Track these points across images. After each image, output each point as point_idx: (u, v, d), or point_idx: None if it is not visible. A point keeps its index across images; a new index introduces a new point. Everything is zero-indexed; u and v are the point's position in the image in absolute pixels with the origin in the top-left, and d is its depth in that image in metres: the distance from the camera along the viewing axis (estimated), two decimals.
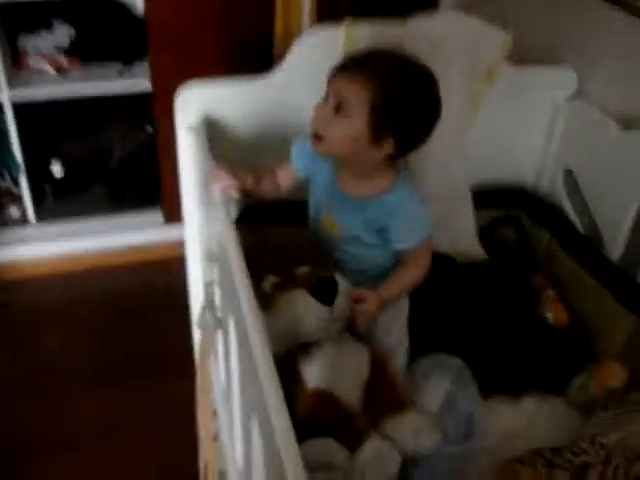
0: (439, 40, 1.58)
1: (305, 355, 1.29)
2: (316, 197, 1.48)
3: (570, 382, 1.59)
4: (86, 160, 2.62)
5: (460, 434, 1.42)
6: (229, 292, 1.15)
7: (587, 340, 1.70)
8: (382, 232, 1.39)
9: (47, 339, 2.32)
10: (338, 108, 1.28)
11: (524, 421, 1.54)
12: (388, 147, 1.31)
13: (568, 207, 1.83)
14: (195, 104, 1.56)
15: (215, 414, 1.57)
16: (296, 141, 1.48)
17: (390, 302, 1.40)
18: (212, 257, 1.36)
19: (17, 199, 2.55)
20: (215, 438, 1.54)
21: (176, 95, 1.55)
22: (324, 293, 1.27)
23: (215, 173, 1.37)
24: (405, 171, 1.43)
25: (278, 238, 1.59)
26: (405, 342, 1.55)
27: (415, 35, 1.56)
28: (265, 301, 1.30)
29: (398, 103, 1.28)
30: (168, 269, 2.49)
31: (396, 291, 1.42)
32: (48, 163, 2.53)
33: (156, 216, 2.63)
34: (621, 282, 1.65)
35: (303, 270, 1.35)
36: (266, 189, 1.51)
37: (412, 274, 1.42)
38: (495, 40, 1.65)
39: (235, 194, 1.35)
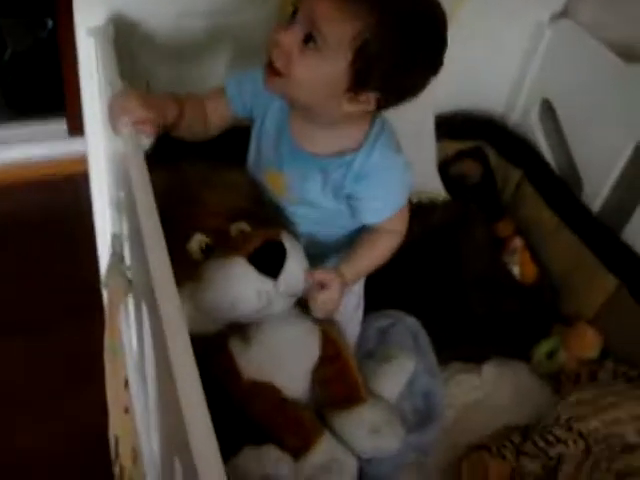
0: None
1: (239, 337, 1.04)
2: (259, 144, 1.15)
3: (536, 347, 1.47)
4: None
5: (418, 416, 1.26)
6: (139, 252, 0.87)
7: (557, 299, 1.54)
8: (347, 199, 1.10)
9: None
10: (309, 38, 0.93)
11: (485, 392, 1.41)
12: (367, 102, 0.99)
13: (542, 143, 1.62)
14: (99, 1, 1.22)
15: (127, 384, 1.33)
16: (234, 74, 1.15)
17: (352, 284, 1.14)
18: (119, 206, 1.07)
19: None
20: (127, 410, 1.31)
21: None
22: (268, 262, 0.97)
23: (124, 102, 1.00)
24: (381, 119, 1.09)
25: (206, 180, 1.28)
26: (361, 306, 1.33)
27: None
28: (191, 267, 1.01)
29: (394, 47, 0.93)
30: (73, 186, 2.21)
31: (363, 270, 1.15)
32: None
33: (59, 126, 2.28)
34: (602, 237, 1.47)
35: (240, 228, 1.05)
36: (191, 127, 1.15)
37: (383, 248, 1.15)
38: None
39: (149, 132, 1.00)
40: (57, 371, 1.81)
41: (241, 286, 0.97)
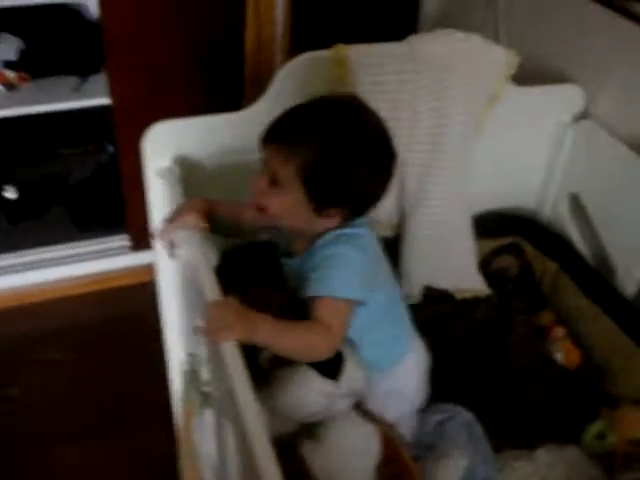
0: (441, 61, 1.44)
1: (310, 440, 1.14)
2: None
3: (586, 430, 1.49)
4: (42, 183, 2.42)
5: None
6: (218, 369, 1.00)
7: (602, 383, 1.58)
8: None
9: (7, 385, 2.10)
10: (272, 181, 1.12)
11: (540, 477, 1.44)
12: (336, 215, 1.14)
13: (574, 235, 1.71)
14: (165, 145, 1.41)
15: None
16: None
17: (260, 341, 1.04)
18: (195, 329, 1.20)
19: None
20: None
21: (144, 137, 1.41)
22: (329, 366, 1.10)
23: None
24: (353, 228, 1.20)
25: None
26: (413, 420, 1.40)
27: (415, 56, 1.43)
28: (261, 376, 1.14)
29: (332, 170, 1.10)
30: (136, 296, 2.36)
31: (278, 340, 1.05)
32: (1, 188, 2.32)
33: (122, 242, 2.44)
34: (638, 320, 1.53)
35: None
36: (226, 224, 1.32)
37: (308, 336, 1.09)
38: (499, 60, 1.51)
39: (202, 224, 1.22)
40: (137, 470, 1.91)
41: (306, 389, 1.11)
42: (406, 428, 1.36)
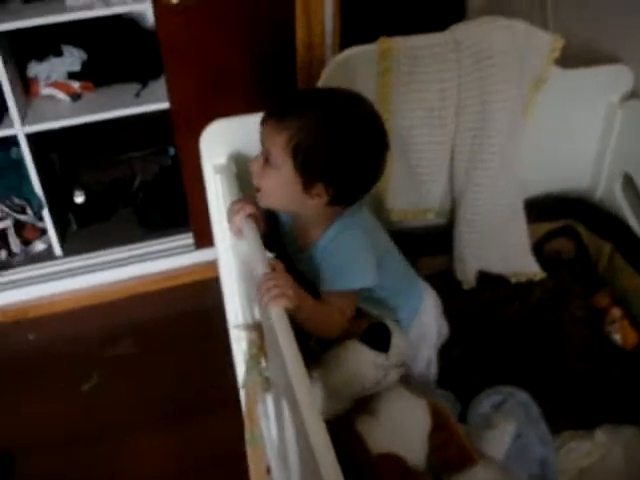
0: (485, 48, 1.46)
1: (364, 416, 1.19)
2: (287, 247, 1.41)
3: None
4: (108, 187, 2.53)
5: None
6: (276, 354, 1.05)
7: None
8: None
9: (84, 380, 2.22)
10: (267, 159, 1.20)
11: (598, 456, 1.45)
12: (322, 194, 1.20)
13: (629, 215, 1.70)
14: (221, 143, 1.47)
15: (269, 471, 1.48)
16: None
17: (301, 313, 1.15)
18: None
19: (41, 233, 2.46)
20: None
21: (201, 134, 1.46)
22: (377, 339, 1.17)
23: (235, 204, 1.29)
24: (351, 209, 1.28)
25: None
26: (433, 365, 1.50)
27: (459, 44, 1.46)
28: (313, 359, 1.20)
29: (319, 144, 1.17)
30: (202, 292, 2.44)
31: (307, 312, 1.16)
32: (70, 193, 2.44)
33: (187, 240, 2.53)
34: None
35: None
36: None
37: (328, 314, 1.23)
38: (544, 44, 1.52)
39: (259, 219, 1.28)
40: (203, 462, 1.98)
41: (361, 363, 1.17)
42: (435, 367, 1.48)
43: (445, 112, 1.50)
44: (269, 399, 1.35)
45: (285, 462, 1.26)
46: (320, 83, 1.46)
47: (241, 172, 1.44)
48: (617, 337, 1.63)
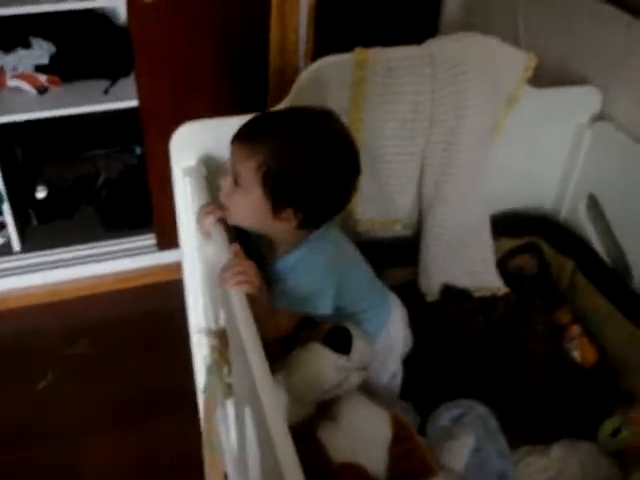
0: (461, 63, 1.47)
1: (325, 422, 1.18)
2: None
3: (601, 426, 1.52)
4: (72, 183, 2.49)
5: None
6: (240, 359, 1.05)
7: (617, 380, 1.61)
8: None
9: (39, 377, 2.17)
10: (236, 180, 1.20)
11: (555, 471, 1.47)
12: (291, 218, 1.21)
13: (592, 235, 1.73)
14: (192, 145, 1.45)
15: (226, 477, 1.46)
16: None
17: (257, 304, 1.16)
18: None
19: (0, 227, 2.41)
20: None
21: (172, 136, 1.44)
22: (339, 342, 1.17)
23: (206, 207, 1.29)
24: (316, 233, 1.27)
25: None
26: (399, 376, 1.50)
27: (434, 59, 1.46)
28: (274, 362, 1.20)
29: (289, 170, 1.17)
30: (163, 294, 2.42)
31: (260, 304, 1.17)
32: (32, 188, 2.39)
33: (149, 241, 2.50)
34: None
35: (307, 331, 1.24)
36: None
37: (266, 316, 1.20)
38: (518, 62, 1.54)
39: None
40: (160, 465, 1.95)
41: (322, 364, 1.16)
42: (399, 378, 1.49)
43: (417, 125, 1.50)
44: (229, 405, 1.35)
45: (244, 468, 1.25)
46: (295, 89, 1.46)
47: (210, 175, 1.43)
48: (576, 354, 1.65)
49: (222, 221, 1.27)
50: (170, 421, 2.03)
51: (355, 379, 1.18)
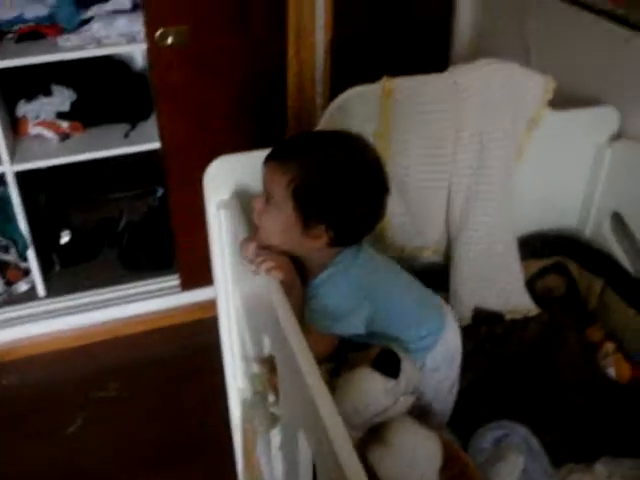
0: (484, 89, 1.50)
1: (375, 445, 1.18)
2: None
3: None
4: (94, 226, 2.52)
5: None
6: (294, 386, 1.05)
7: None
8: None
9: (68, 422, 2.18)
10: (268, 199, 1.23)
11: None
12: (322, 235, 1.22)
13: (618, 252, 1.74)
14: (225, 179, 1.47)
15: None
16: None
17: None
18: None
19: (24, 273, 2.43)
20: None
21: (206, 171, 1.45)
22: (388, 366, 1.17)
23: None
24: (350, 250, 1.28)
25: None
26: (455, 387, 1.47)
27: (459, 85, 1.49)
28: None
29: (321, 187, 1.20)
30: (188, 334, 2.44)
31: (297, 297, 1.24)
32: (56, 233, 2.42)
33: (173, 282, 2.52)
34: None
35: (355, 355, 1.26)
36: None
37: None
38: (537, 85, 1.57)
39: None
40: None
41: (371, 388, 1.15)
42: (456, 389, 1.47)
43: (443, 151, 1.53)
44: (274, 436, 1.35)
45: None
46: (323, 120, 1.48)
47: (244, 209, 1.45)
48: (611, 371, 1.65)
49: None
50: (201, 462, 2.04)
51: (403, 403, 1.18)
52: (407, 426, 1.19)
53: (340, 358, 1.28)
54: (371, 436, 1.19)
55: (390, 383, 1.16)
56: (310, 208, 1.20)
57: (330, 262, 1.27)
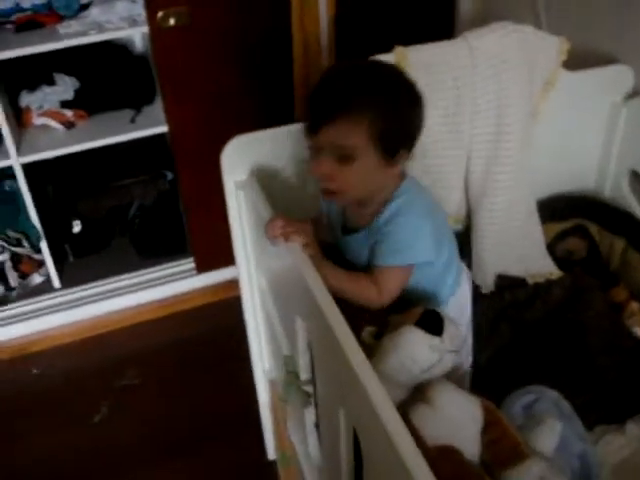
0: (499, 53, 1.48)
1: (419, 405, 1.18)
2: (334, 237, 1.43)
3: None
4: (105, 214, 2.50)
5: (576, 477, 1.34)
6: (329, 359, 1.05)
7: None
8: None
9: (93, 412, 2.18)
10: (341, 158, 1.19)
11: (633, 448, 1.46)
12: (401, 159, 1.25)
13: (637, 210, 1.72)
14: (243, 159, 1.46)
15: None
16: None
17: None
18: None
19: (38, 265, 2.42)
20: None
21: (222, 152, 1.44)
22: (432, 325, 1.18)
23: (274, 222, 1.25)
24: (408, 183, 1.32)
25: None
26: (469, 340, 1.52)
27: (473, 50, 1.47)
28: (366, 352, 1.21)
29: (396, 117, 1.22)
30: (206, 317, 2.44)
31: (332, 282, 1.19)
32: (67, 224, 2.41)
33: (187, 265, 2.51)
34: None
35: (397, 317, 1.25)
36: (324, 233, 1.43)
37: (359, 289, 1.28)
38: (551, 47, 1.55)
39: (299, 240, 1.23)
40: None
41: (417, 344, 1.16)
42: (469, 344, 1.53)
43: (461, 118, 1.51)
44: (308, 414, 1.35)
45: (330, 476, 1.25)
46: None
47: (263, 187, 1.43)
48: (637, 330, 1.64)
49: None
50: (229, 444, 2.04)
51: (448, 361, 1.19)
52: (450, 388, 1.20)
53: (383, 322, 1.28)
54: (415, 398, 1.20)
55: (435, 340, 1.17)
56: (395, 142, 1.22)
57: (395, 194, 1.28)
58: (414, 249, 1.26)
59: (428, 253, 1.29)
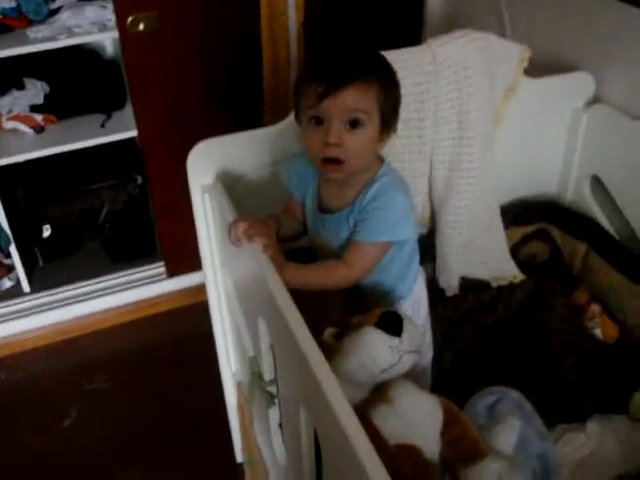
0: (462, 60, 1.51)
1: (379, 404, 1.20)
2: (307, 219, 1.44)
3: (631, 399, 1.54)
4: (76, 218, 2.50)
5: (536, 477, 1.37)
6: (291, 360, 1.07)
7: None
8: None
9: (63, 416, 2.17)
10: (352, 124, 1.21)
11: (593, 447, 1.49)
12: (386, 136, 1.29)
13: (599, 215, 1.77)
14: (208, 163, 1.48)
15: None
16: (283, 164, 1.45)
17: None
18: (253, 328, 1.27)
19: (8, 270, 2.41)
20: None
21: (188, 158, 1.46)
22: (391, 325, 1.20)
23: (237, 224, 1.26)
24: (387, 165, 1.35)
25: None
26: (428, 334, 1.55)
27: (437, 57, 1.50)
28: (326, 352, 1.22)
29: (394, 90, 1.27)
30: (176, 320, 2.45)
31: (295, 280, 1.23)
32: (37, 228, 2.40)
33: (157, 270, 2.51)
34: None
35: (358, 318, 1.27)
36: (289, 228, 1.44)
37: (326, 273, 1.31)
38: (513, 55, 1.58)
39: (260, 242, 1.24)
40: None
41: (377, 345, 1.18)
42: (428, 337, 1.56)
43: (423, 123, 1.54)
44: (272, 414, 1.36)
45: (296, 474, 1.27)
46: None
47: (229, 191, 1.45)
48: (598, 332, 1.68)
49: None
50: (198, 447, 2.05)
51: (407, 361, 1.21)
52: (410, 388, 1.22)
53: (344, 323, 1.30)
54: (376, 397, 1.22)
55: (394, 341, 1.19)
56: (390, 115, 1.26)
57: (377, 175, 1.31)
58: (398, 227, 1.29)
59: (410, 231, 1.32)
